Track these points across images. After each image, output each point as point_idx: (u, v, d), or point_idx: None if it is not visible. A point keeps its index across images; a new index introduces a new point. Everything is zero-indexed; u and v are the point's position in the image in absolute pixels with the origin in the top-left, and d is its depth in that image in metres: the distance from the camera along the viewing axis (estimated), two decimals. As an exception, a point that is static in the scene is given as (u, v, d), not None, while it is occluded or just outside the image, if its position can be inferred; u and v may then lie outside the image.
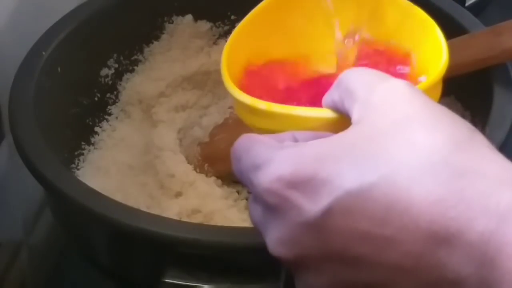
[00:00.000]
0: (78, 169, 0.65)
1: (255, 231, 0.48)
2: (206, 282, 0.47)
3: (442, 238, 0.35)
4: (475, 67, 0.59)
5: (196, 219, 0.60)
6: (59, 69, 0.63)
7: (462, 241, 0.35)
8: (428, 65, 0.51)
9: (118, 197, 0.54)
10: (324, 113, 0.44)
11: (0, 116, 0.64)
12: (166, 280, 0.48)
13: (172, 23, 0.71)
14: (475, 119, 0.61)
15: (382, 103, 0.39)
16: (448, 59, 0.49)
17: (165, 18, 0.71)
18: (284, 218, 0.38)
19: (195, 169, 0.64)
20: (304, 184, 0.37)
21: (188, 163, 0.64)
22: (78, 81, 0.66)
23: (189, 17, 0.71)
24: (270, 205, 0.38)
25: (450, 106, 0.64)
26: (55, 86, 0.62)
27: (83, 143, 0.66)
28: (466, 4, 0.83)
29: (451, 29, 0.62)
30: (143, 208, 0.60)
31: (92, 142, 0.67)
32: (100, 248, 0.56)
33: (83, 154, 0.66)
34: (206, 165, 0.65)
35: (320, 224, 0.37)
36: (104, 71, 0.69)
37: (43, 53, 0.61)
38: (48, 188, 0.54)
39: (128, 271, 0.55)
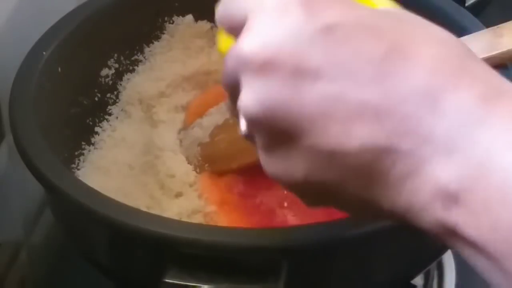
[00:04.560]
0: (78, 169, 0.65)
1: (255, 232, 0.48)
2: (206, 282, 0.47)
3: (434, 93, 0.35)
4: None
5: (196, 219, 0.60)
6: (59, 69, 0.63)
7: (453, 100, 0.35)
8: None
9: (118, 197, 0.54)
10: None
11: (0, 116, 0.64)
12: (166, 280, 0.48)
13: (173, 23, 0.71)
14: (475, 119, 0.61)
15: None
16: None
17: (166, 18, 0.71)
18: (280, 22, 0.37)
19: (195, 169, 0.64)
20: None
21: (189, 163, 0.64)
22: (79, 81, 0.66)
23: (189, 17, 0.71)
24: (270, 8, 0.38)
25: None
26: (55, 86, 0.62)
27: (83, 143, 0.66)
28: (466, 4, 0.83)
29: (451, 29, 0.62)
30: (143, 208, 0.60)
31: (92, 142, 0.67)
32: (100, 248, 0.56)
33: (83, 154, 0.66)
34: (206, 165, 0.65)
35: (314, 36, 0.36)
36: (105, 71, 0.69)
37: (43, 53, 0.62)
38: (48, 188, 0.54)
39: (128, 271, 0.55)
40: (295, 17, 0.37)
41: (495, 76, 0.36)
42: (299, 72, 0.36)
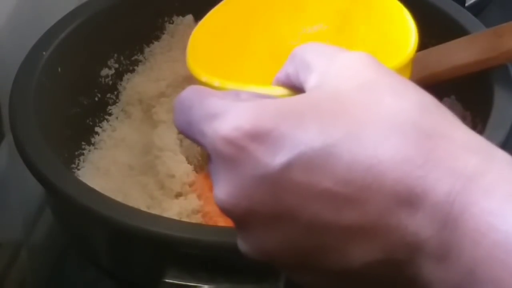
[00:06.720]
0: (78, 169, 0.65)
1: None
2: (206, 282, 0.47)
3: (406, 199, 0.34)
4: (475, 68, 0.59)
5: (196, 219, 0.60)
6: (59, 69, 0.63)
7: (426, 202, 0.34)
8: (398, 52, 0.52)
9: (118, 197, 0.54)
10: (276, 90, 0.43)
11: (0, 116, 0.64)
12: (166, 280, 0.48)
13: (173, 23, 0.71)
14: (475, 119, 0.61)
15: (344, 69, 0.38)
16: (416, 41, 0.51)
17: (166, 18, 0.71)
18: (238, 170, 0.36)
19: (195, 169, 0.64)
20: (264, 136, 0.36)
21: (189, 163, 0.64)
22: (78, 81, 0.66)
23: (189, 17, 0.71)
24: (224, 156, 0.37)
25: (450, 106, 0.64)
26: (55, 86, 0.62)
27: (83, 143, 0.66)
28: (466, 4, 0.83)
29: (451, 29, 0.63)
30: (143, 208, 0.60)
31: (93, 142, 0.67)
32: (100, 248, 0.56)
33: (83, 154, 0.66)
34: (206, 165, 0.65)
35: (277, 179, 0.36)
36: (105, 71, 0.69)
37: (44, 53, 0.61)
38: (48, 188, 0.53)
39: (128, 271, 0.55)
40: (252, 161, 0.36)
41: (461, 153, 0.35)
42: (277, 217, 0.36)
